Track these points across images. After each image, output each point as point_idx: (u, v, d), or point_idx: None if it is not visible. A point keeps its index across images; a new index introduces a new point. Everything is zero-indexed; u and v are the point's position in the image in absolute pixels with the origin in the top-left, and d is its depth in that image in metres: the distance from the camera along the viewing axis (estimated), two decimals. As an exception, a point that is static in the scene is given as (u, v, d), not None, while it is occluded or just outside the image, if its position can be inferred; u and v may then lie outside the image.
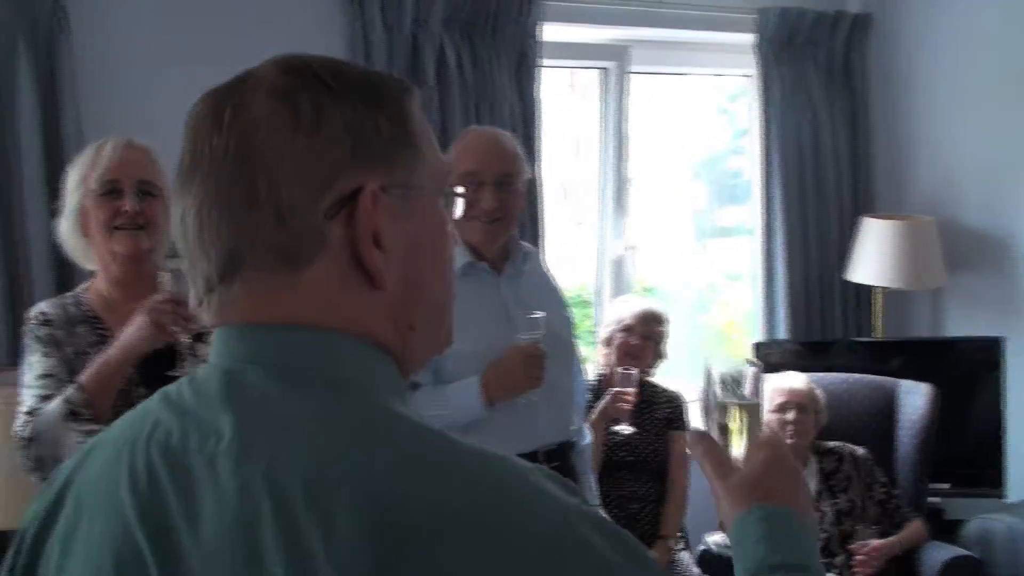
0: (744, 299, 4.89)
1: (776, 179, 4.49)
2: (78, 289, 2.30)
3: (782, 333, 4.50)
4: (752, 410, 1.25)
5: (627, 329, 3.68)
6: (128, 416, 0.90)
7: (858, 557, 3.44)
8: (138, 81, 3.12)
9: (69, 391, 2.06)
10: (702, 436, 1.21)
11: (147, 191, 2.20)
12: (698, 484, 3.67)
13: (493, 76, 3.70)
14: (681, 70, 4.67)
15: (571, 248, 4.65)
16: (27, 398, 2.14)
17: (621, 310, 3.77)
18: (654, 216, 4.91)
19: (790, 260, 4.52)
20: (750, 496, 1.06)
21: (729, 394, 1.27)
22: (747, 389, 1.27)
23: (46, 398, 2.10)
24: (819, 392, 3.71)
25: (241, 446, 0.78)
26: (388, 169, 0.86)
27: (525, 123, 3.82)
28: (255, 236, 0.82)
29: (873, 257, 4.27)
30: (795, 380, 3.71)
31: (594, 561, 0.74)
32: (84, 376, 2.07)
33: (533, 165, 3.85)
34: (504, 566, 0.71)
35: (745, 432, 1.25)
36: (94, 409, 2.04)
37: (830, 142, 4.58)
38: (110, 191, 2.17)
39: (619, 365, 3.59)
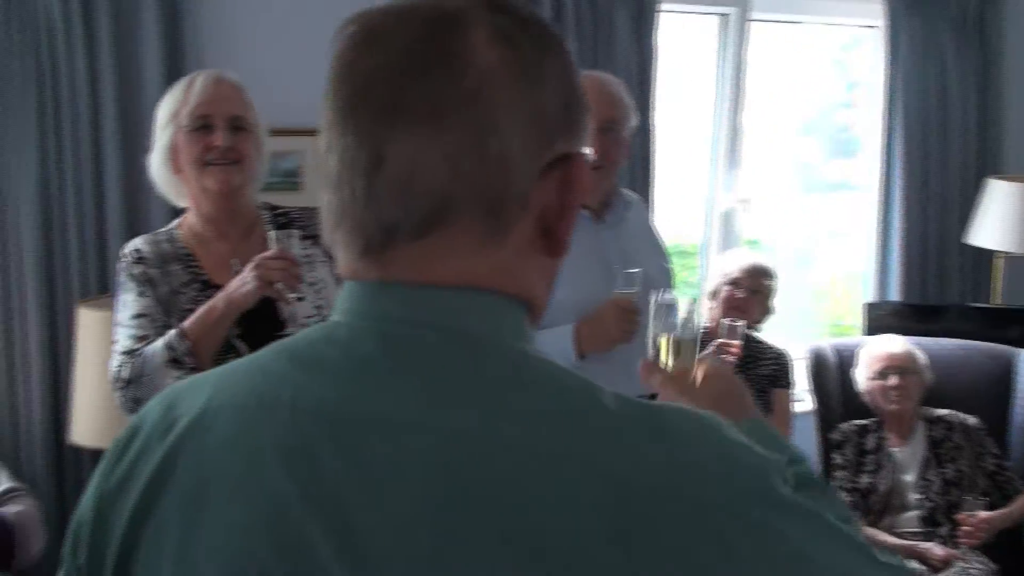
0: (849, 257, 4.76)
1: (897, 134, 4.34)
2: (171, 225, 2.27)
3: (894, 294, 4.38)
4: (686, 341, 1.42)
5: (734, 282, 3.62)
6: (246, 375, 0.81)
7: (964, 528, 3.35)
8: (259, 24, 3.14)
9: (172, 336, 2.05)
10: (653, 366, 1.34)
11: (238, 126, 2.15)
12: (798, 444, 3.62)
13: (611, 21, 3.64)
14: (802, 18, 4.52)
15: (681, 199, 4.57)
16: (121, 338, 2.13)
17: (728, 263, 3.70)
18: (762, 169, 4.80)
19: (907, 219, 4.37)
20: (731, 415, 1.10)
21: (661, 324, 1.44)
22: (678, 319, 1.43)
23: (141, 338, 2.09)
24: (920, 354, 3.61)
25: (430, 419, 0.72)
26: (583, 135, 0.83)
27: (641, 70, 3.76)
28: (476, 188, 0.75)
29: (996, 220, 4.10)
30: (892, 344, 3.62)
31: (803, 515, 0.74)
32: (188, 323, 2.06)
33: (647, 113, 3.79)
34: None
35: (683, 357, 1.41)
36: (196, 358, 2.03)
37: (958, 98, 4.40)
38: (201, 126, 2.13)
39: (724, 318, 3.55)
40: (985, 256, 4.37)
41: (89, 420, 2.67)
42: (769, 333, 3.81)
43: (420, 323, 0.77)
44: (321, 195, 0.81)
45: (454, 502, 0.68)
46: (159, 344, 2.05)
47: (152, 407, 0.84)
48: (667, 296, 1.50)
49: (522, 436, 0.70)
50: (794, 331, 4.83)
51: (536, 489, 0.68)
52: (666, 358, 1.42)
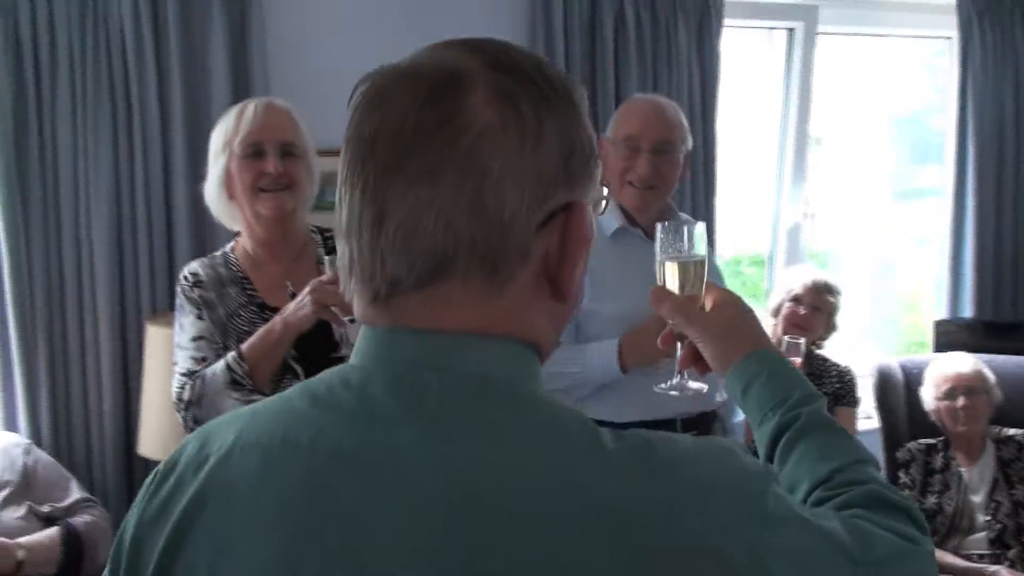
0: (933, 267, 4.66)
1: (970, 143, 4.27)
2: (226, 248, 2.32)
3: (967, 308, 4.29)
4: (695, 264, 1.39)
5: (795, 299, 3.57)
6: (271, 415, 0.85)
7: (1034, 551, 3.27)
8: (324, 42, 3.21)
9: (231, 359, 2.09)
10: (665, 291, 1.33)
11: (289, 151, 2.19)
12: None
13: (673, 36, 3.64)
14: (872, 31, 4.45)
15: (746, 213, 4.53)
16: (181, 359, 2.18)
17: (791, 280, 3.66)
18: (840, 177, 4.73)
19: (980, 230, 4.30)
20: (741, 344, 1.17)
21: (667, 250, 1.41)
22: (685, 244, 1.40)
23: (200, 360, 2.15)
24: (989, 373, 3.53)
25: (434, 456, 0.75)
26: (587, 184, 0.86)
27: (704, 85, 3.75)
28: (473, 245, 0.79)
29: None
30: (960, 363, 3.55)
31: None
32: (246, 346, 2.10)
33: (710, 127, 3.78)
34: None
35: (691, 284, 1.37)
36: (254, 379, 2.07)
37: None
38: (253, 153, 2.17)
39: (785, 335, 3.52)
40: (1061, 271, 4.27)
41: (157, 433, 2.76)
42: (848, 344, 3.75)
43: (426, 366, 0.80)
44: (337, 244, 0.86)
45: (457, 534, 0.72)
46: (219, 366, 2.10)
47: (189, 441, 0.89)
48: (674, 222, 1.47)
49: (522, 473, 0.74)
50: (882, 342, 4.76)
51: (535, 523, 0.71)
52: (674, 284, 1.38)
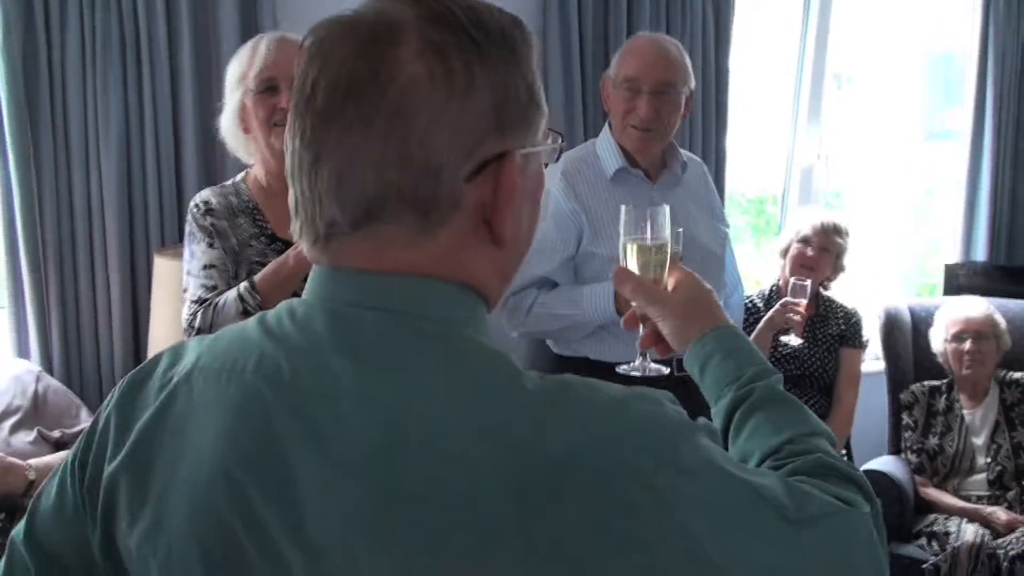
0: (951, 209, 4.62)
1: (990, 88, 4.22)
2: (237, 178, 2.32)
3: (981, 252, 4.26)
4: (656, 247, 1.43)
5: (804, 240, 3.57)
6: (228, 341, 0.90)
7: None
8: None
9: (243, 289, 2.10)
10: (627, 273, 1.35)
11: None
12: (865, 404, 3.59)
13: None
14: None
15: (759, 152, 4.50)
16: (192, 287, 2.20)
17: (800, 221, 3.66)
18: (862, 117, 4.66)
19: (997, 173, 4.25)
20: (699, 322, 1.20)
21: (630, 232, 1.44)
22: (648, 229, 1.43)
23: (211, 288, 2.17)
24: (999, 318, 3.53)
25: (364, 390, 0.80)
26: (524, 132, 0.88)
27: (717, 19, 3.71)
28: (401, 192, 0.82)
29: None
30: (971, 308, 3.54)
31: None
32: (259, 278, 2.11)
33: (721, 64, 3.75)
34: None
35: (653, 266, 1.41)
36: (266, 311, 2.08)
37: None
38: (268, 88, 2.17)
39: (793, 276, 3.52)
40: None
41: (164, 363, 2.81)
42: (859, 288, 3.76)
43: (364, 305, 0.85)
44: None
45: (375, 470, 0.77)
46: (231, 295, 2.13)
47: (162, 357, 0.95)
48: (638, 205, 1.49)
49: (442, 411, 0.78)
50: (896, 285, 4.73)
51: (450, 463, 0.76)
52: (636, 266, 1.42)
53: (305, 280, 2.09)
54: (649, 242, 1.43)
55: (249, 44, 2.25)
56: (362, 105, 0.82)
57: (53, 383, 2.85)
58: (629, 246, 1.44)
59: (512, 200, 0.86)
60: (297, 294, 2.05)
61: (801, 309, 3.30)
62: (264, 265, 2.15)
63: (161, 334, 2.82)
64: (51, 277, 2.96)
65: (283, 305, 0.91)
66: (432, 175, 0.82)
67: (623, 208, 1.47)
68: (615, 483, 0.75)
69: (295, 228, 0.90)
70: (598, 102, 3.40)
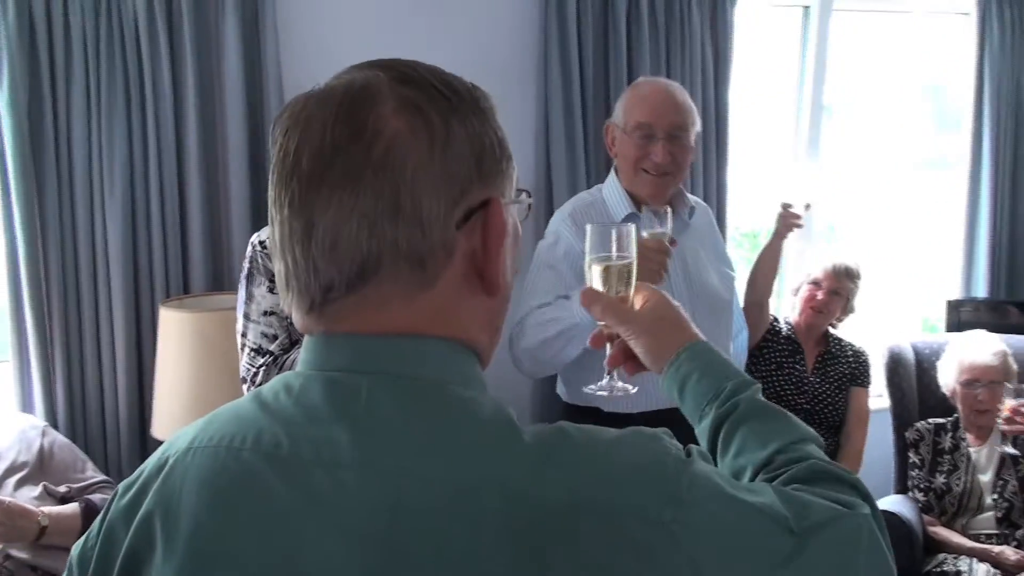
0: (948, 242, 4.61)
1: (986, 122, 4.23)
2: None
3: (981, 287, 4.27)
4: (620, 266, 1.41)
5: (815, 283, 3.64)
6: (224, 419, 0.90)
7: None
8: (338, 42, 3.20)
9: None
10: (595, 293, 1.35)
11: None
12: (870, 441, 3.59)
13: (686, 16, 3.62)
14: (889, 7, 4.41)
15: (758, 191, 4.51)
16: (251, 334, 2.13)
17: (815, 263, 3.71)
18: (856, 150, 4.68)
19: (996, 209, 4.27)
20: (672, 339, 1.22)
21: (595, 252, 1.42)
22: (613, 247, 1.41)
23: (272, 338, 2.11)
24: (1012, 362, 3.51)
25: (363, 456, 0.80)
26: (502, 181, 0.90)
27: (716, 66, 3.73)
28: (396, 246, 0.83)
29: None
30: (984, 354, 3.50)
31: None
32: None
33: (721, 103, 3.76)
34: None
35: (620, 285, 1.39)
36: None
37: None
38: None
39: (803, 316, 3.59)
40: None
41: (170, 416, 2.80)
42: (863, 320, 3.78)
43: (358, 370, 0.86)
44: (274, 265, 0.91)
45: (380, 537, 0.77)
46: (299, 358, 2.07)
47: (159, 450, 0.95)
48: (602, 223, 1.47)
49: (441, 471, 0.79)
50: (894, 318, 4.72)
51: (453, 523, 0.76)
52: (602, 285, 1.41)
53: None
54: (615, 260, 1.42)
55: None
56: (350, 162, 0.83)
57: (59, 438, 2.83)
58: (595, 265, 1.43)
59: (503, 242, 0.89)
60: None
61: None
62: None
63: (167, 387, 2.81)
64: (56, 330, 2.94)
65: (279, 379, 0.91)
66: (425, 226, 0.84)
67: (588, 227, 1.45)
68: (620, 523, 0.77)
69: (286, 302, 0.90)
70: (599, 147, 3.42)
